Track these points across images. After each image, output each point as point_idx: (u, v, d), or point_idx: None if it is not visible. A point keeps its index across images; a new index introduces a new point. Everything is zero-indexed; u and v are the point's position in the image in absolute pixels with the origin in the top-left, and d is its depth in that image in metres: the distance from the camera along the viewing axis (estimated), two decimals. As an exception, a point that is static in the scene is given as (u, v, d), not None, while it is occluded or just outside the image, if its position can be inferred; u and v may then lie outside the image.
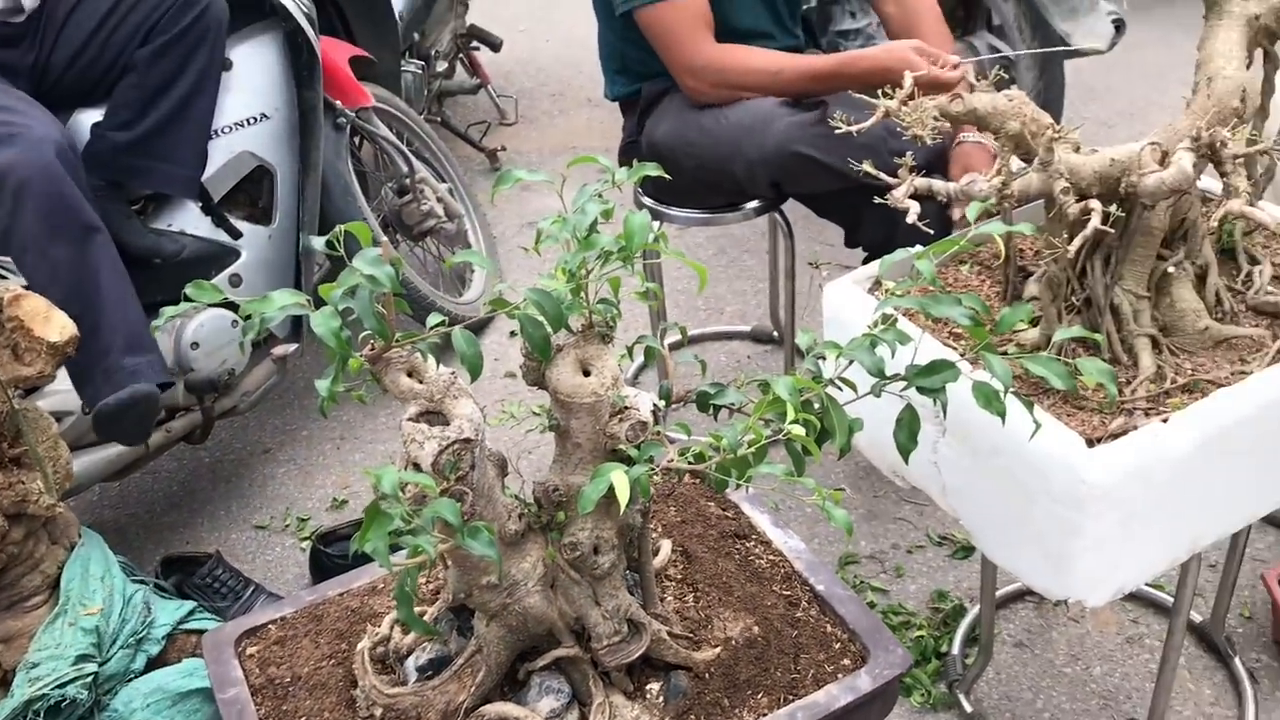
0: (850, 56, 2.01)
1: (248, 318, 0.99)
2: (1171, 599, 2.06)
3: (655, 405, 1.10)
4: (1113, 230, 1.32)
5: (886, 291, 1.15)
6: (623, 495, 0.94)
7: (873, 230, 2.20)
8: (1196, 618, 2.04)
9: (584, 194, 1.15)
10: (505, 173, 1.11)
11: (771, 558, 1.35)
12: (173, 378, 2.22)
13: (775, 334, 2.98)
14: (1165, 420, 1.33)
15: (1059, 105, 3.11)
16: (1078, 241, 1.23)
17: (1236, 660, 1.96)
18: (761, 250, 3.36)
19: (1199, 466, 1.34)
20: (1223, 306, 1.52)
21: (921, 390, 1.09)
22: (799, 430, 1.01)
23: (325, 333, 0.93)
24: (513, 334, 2.77)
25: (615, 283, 1.08)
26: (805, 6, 3.59)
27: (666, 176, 1.16)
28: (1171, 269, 1.47)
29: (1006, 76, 1.68)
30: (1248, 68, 1.50)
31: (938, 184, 1.38)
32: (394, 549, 0.93)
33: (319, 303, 1.02)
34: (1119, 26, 2.97)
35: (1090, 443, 1.32)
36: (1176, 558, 1.47)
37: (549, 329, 1.00)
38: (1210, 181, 1.58)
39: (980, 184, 1.33)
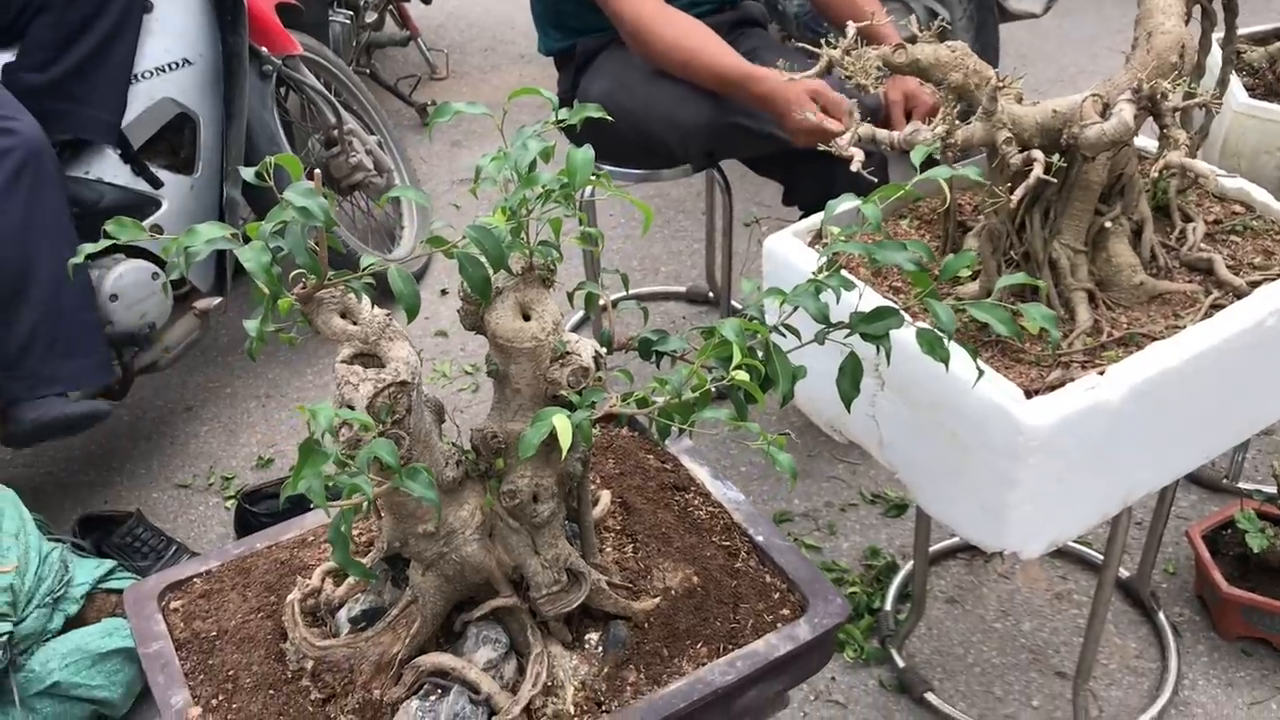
0: (756, 73, 1.94)
1: (168, 266, 0.94)
2: (1100, 556, 2.10)
3: (597, 351, 1.08)
4: (1054, 181, 1.32)
5: (831, 237, 1.14)
6: (565, 439, 0.92)
7: (810, 188, 2.19)
8: (1123, 574, 2.07)
9: (523, 134, 1.12)
10: (443, 105, 1.07)
11: (711, 509, 1.34)
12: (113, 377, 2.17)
13: (710, 294, 2.97)
14: (1102, 373, 1.34)
15: (996, 65, 3.11)
16: (1020, 191, 1.23)
17: (1160, 615, 2.00)
18: (697, 211, 3.34)
19: (1134, 418, 1.35)
20: (1157, 262, 1.53)
21: (866, 337, 1.08)
22: (743, 375, 1.00)
23: (255, 268, 0.89)
24: (443, 292, 2.72)
25: (556, 224, 1.05)
26: None
27: (609, 118, 1.13)
28: (1109, 224, 1.48)
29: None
30: (1186, 24, 1.51)
31: (881, 133, 1.37)
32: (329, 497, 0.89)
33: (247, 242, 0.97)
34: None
35: (1028, 394, 1.33)
36: (1109, 510, 1.48)
37: (489, 269, 0.97)
38: (1146, 140, 1.59)
39: (924, 133, 1.32)
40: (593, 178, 0.99)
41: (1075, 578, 2.11)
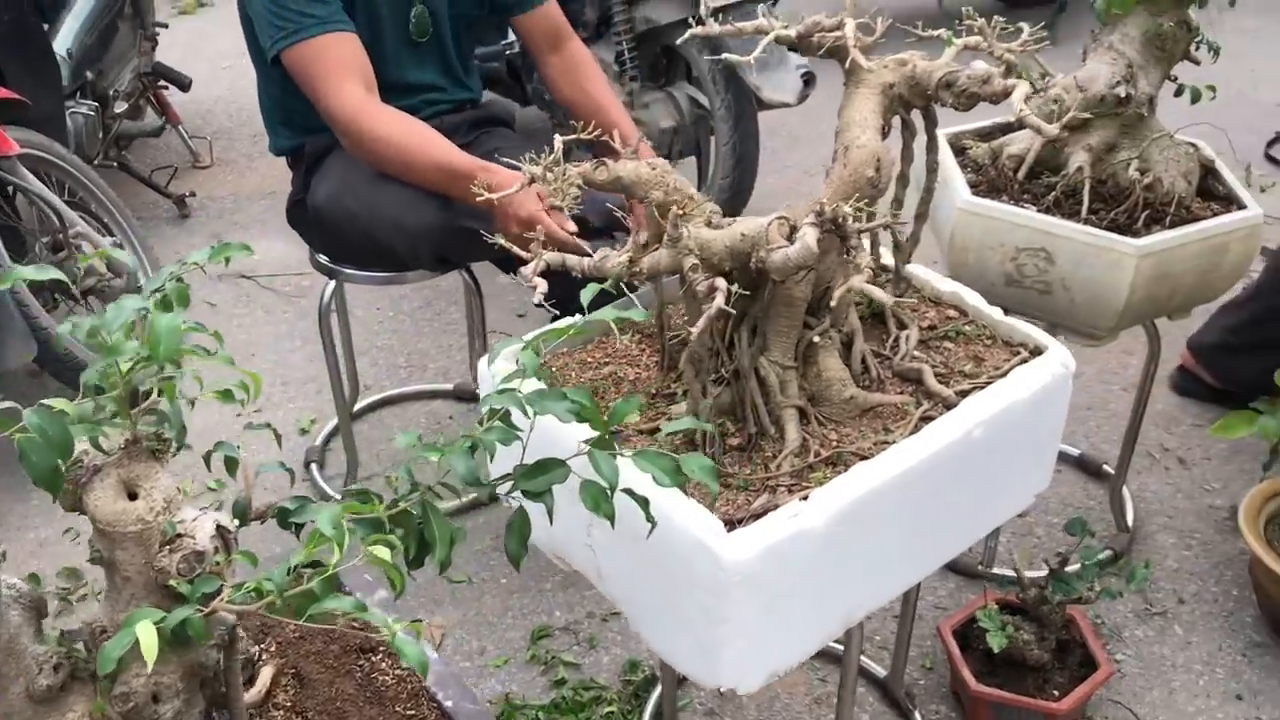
0: (485, 169, 1.87)
1: None
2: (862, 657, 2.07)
3: (222, 529, 0.96)
4: (734, 311, 1.28)
5: (494, 381, 1.06)
6: (149, 654, 0.80)
7: (554, 288, 2.12)
8: (880, 672, 2.05)
9: (161, 275, 1.01)
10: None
11: (399, 672, 1.23)
12: None
13: (480, 392, 2.87)
14: (805, 498, 1.30)
15: (754, 156, 3.15)
16: (702, 323, 1.18)
17: (916, 714, 1.98)
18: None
19: (842, 541, 1.31)
20: (870, 374, 1.51)
21: (528, 494, 1.00)
22: (383, 553, 0.90)
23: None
24: (190, 401, 2.52)
25: (170, 389, 0.94)
26: (509, 51, 3.52)
27: (251, 249, 1.03)
28: (817, 338, 1.45)
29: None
30: (885, 135, 1.51)
31: (571, 259, 1.31)
32: None
33: None
34: (808, 80, 3.04)
35: (731, 524, 1.27)
36: (831, 633, 1.43)
37: (58, 459, 0.84)
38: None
39: (611, 260, 1.26)
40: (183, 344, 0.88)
41: (835, 680, 2.07)
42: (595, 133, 1.47)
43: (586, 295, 1.13)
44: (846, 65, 1.47)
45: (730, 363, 1.44)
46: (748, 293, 1.23)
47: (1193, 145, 2.09)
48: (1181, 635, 2.14)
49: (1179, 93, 2.09)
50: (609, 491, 0.99)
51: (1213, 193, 2.05)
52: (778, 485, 1.35)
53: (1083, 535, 1.96)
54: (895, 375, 1.53)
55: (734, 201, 3.18)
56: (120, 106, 3.59)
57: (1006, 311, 2.04)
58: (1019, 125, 2.11)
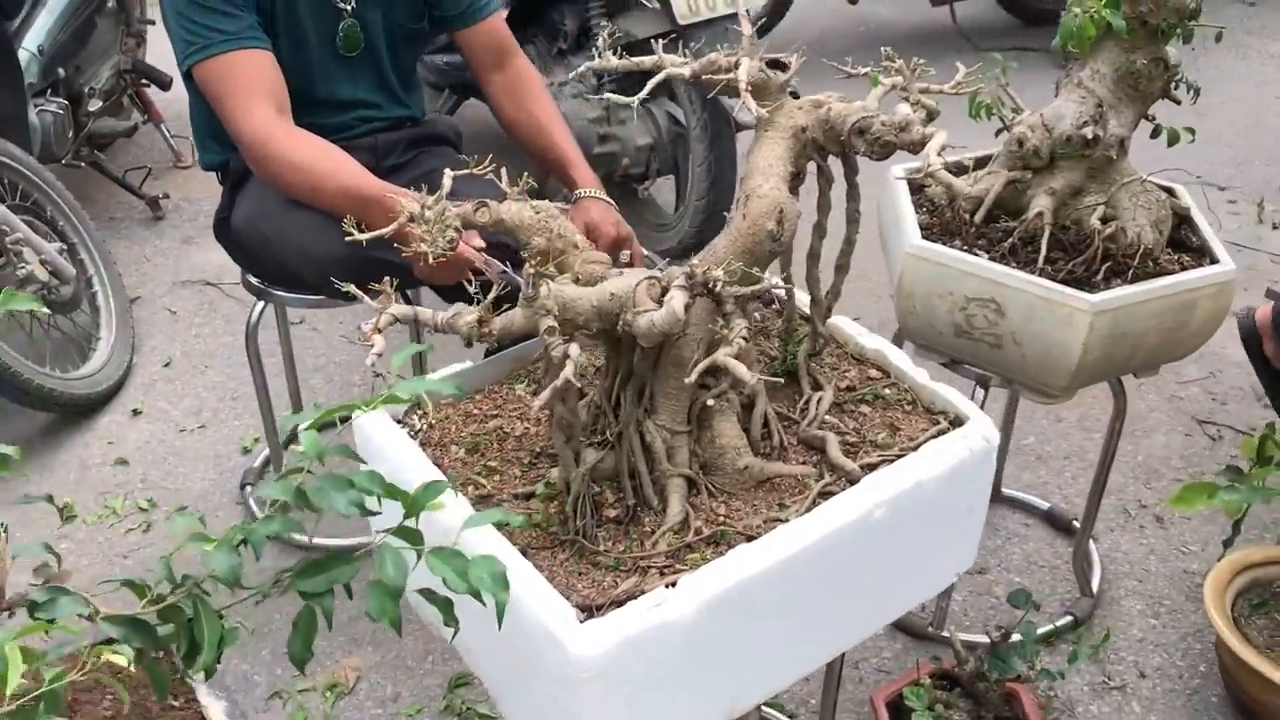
0: (392, 192, 1.75)
1: None
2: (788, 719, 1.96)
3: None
4: (580, 385, 1.16)
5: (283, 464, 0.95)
6: None
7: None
8: (812, 742, 1.93)
9: None
10: None
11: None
12: None
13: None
14: (673, 584, 1.18)
15: (731, 178, 3.03)
16: (544, 396, 1.06)
17: (842, 789, 1.86)
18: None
19: (715, 632, 1.19)
20: (772, 440, 1.39)
21: (305, 595, 0.89)
22: (119, 660, 0.79)
23: None
24: (135, 412, 2.43)
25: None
26: (446, 61, 3.40)
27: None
28: (711, 401, 1.33)
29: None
30: (800, 181, 1.39)
31: (424, 312, 1.19)
32: None
33: None
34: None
35: (587, 612, 1.16)
36: (711, 726, 1.32)
37: None
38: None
39: (465, 318, 1.14)
40: None
41: (761, 747, 1.95)
42: (488, 168, 1.37)
43: (399, 359, 1.01)
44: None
45: (616, 424, 1.33)
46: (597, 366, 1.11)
47: (1168, 191, 1.95)
48: (1139, 713, 2.00)
49: (1155, 134, 1.95)
50: (396, 594, 0.88)
51: (1185, 244, 1.91)
52: (650, 566, 1.24)
53: (1027, 609, 1.82)
54: (800, 442, 1.41)
55: (709, 224, 3.06)
56: (95, 104, 3.51)
57: (954, 364, 1.93)
58: (978, 167, 1.99)
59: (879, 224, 2.05)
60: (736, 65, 1.24)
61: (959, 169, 2.10)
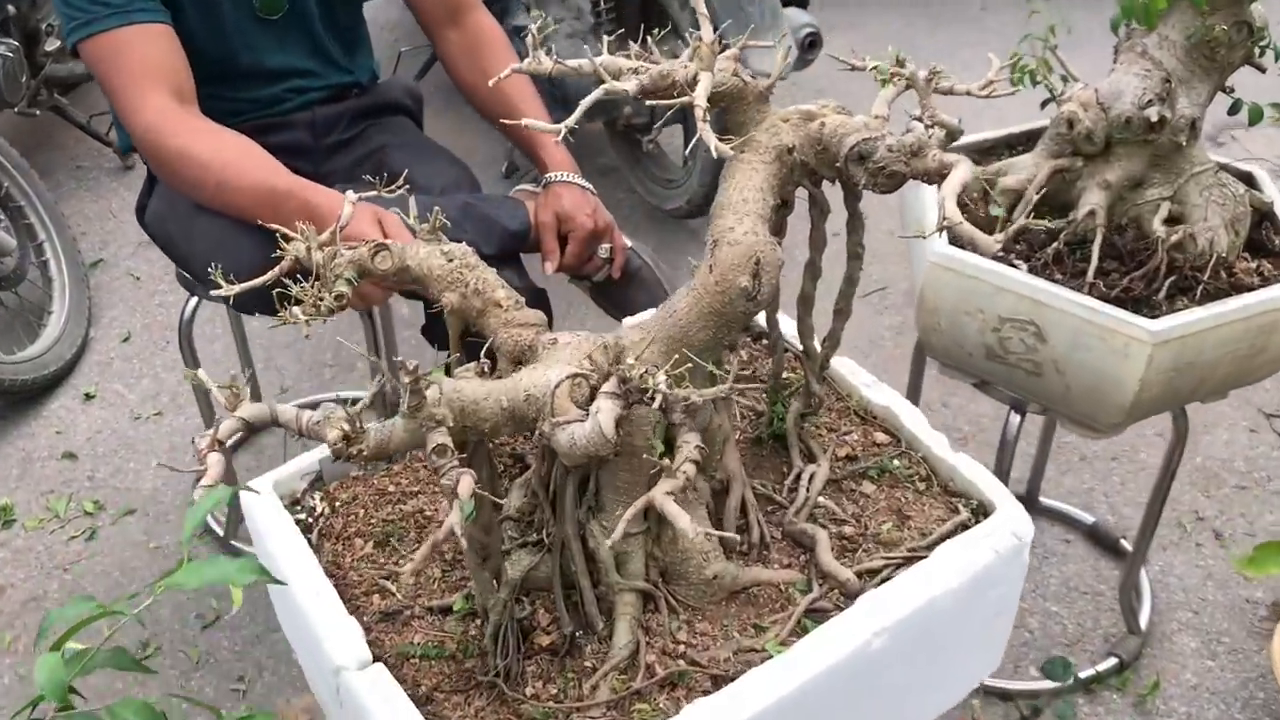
0: (308, 188, 1.49)
1: None
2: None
3: None
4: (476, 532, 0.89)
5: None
6: None
7: (441, 328, 1.75)
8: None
9: None
10: None
11: None
12: None
13: (408, 398, 2.52)
14: (610, 759, 0.93)
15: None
16: (425, 550, 0.79)
17: None
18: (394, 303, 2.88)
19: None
20: (751, 535, 1.13)
21: None
22: None
23: None
24: (88, 396, 2.16)
25: None
26: None
27: None
28: (669, 496, 1.06)
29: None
30: (789, 211, 1.10)
31: (284, 414, 0.92)
32: None
33: None
34: (812, 42, 2.58)
35: (501, 797, 0.92)
36: None
37: None
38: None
39: (329, 430, 0.87)
40: None
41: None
42: (394, 188, 1.10)
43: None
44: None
45: (554, 519, 1.07)
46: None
47: (1245, 180, 1.63)
48: (1190, 777, 1.75)
49: (1233, 109, 1.63)
50: None
51: (1265, 246, 1.59)
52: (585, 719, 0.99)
53: (1065, 678, 1.56)
54: (786, 536, 1.14)
55: (708, 205, 2.74)
56: (53, 44, 3.22)
57: (984, 384, 1.65)
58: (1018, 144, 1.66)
59: (901, 221, 1.75)
60: (694, 81, 0.94)
61: (982, 150, 1.78)
